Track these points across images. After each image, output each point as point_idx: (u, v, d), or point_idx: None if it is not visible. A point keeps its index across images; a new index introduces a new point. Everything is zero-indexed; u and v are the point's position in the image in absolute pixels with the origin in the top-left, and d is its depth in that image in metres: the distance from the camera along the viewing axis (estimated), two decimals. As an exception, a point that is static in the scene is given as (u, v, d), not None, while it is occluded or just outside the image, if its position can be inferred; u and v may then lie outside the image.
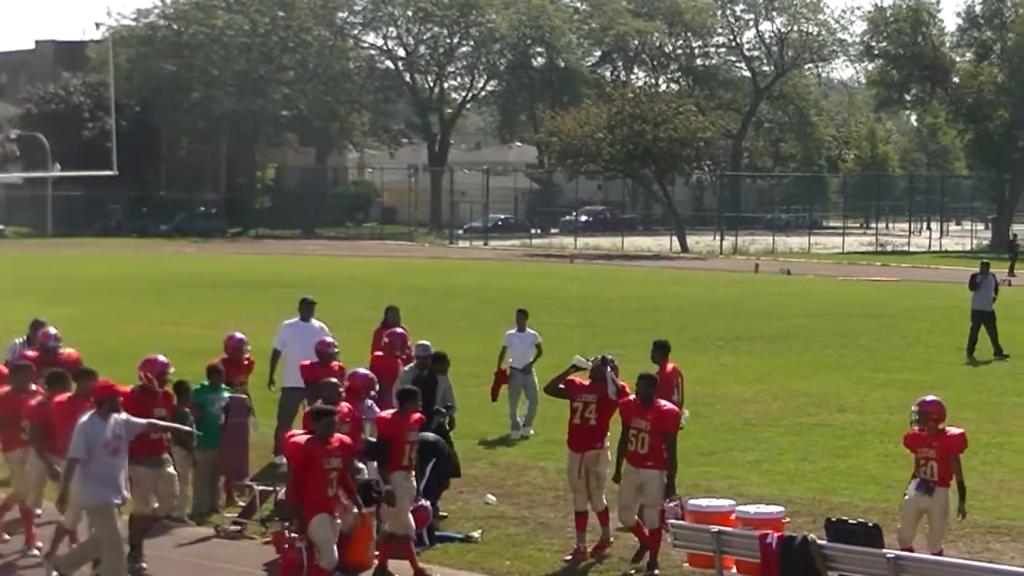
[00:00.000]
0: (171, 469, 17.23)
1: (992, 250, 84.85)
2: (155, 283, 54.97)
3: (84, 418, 15.61)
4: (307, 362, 20.96)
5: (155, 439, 16.95)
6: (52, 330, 21.14)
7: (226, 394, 19.76)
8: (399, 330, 22.44)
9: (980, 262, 38.36)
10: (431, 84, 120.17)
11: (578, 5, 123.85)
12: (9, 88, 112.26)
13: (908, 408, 24.68)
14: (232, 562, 17.05)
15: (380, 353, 21.93)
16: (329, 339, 21.48)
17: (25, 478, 17.61)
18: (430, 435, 18.75)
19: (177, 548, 17.70)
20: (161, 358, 17.81)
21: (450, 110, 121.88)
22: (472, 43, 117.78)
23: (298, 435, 15.91)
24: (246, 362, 21.42)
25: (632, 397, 17.04)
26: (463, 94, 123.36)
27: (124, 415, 15.81)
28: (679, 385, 20.62)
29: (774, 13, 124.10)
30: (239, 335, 21.54)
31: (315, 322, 22.89)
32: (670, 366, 20.10)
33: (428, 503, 17.64)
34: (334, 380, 17.77)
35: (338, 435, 15.52)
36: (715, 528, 16.01)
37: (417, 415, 16.94)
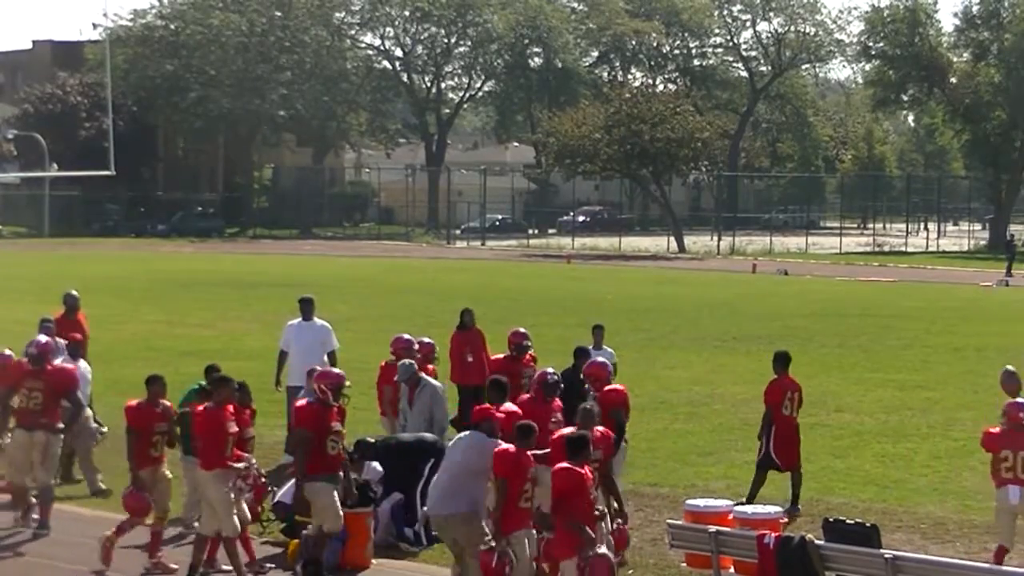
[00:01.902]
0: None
1: (989, 250, 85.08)
2: (151, 283, 54.95)
3: (470, 436, 15.77)
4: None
5: (334, 454, 16.84)
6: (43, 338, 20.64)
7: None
8: (521, 329, 22.08)
9: None
10: (428, 84, 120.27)
11: (575, 5, 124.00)
12: (6, 88, 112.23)
13: (905, 408, 24.73)
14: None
15: (500, 356, 21.69)
16: (428, 340, 21.46)
17: (162, 496, 17.51)
18: (428, 436, 18.76)
19: (177, 547, 17.78)
20: (336, 371, 17.62)
21: (447, 110, 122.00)
22: (469, 43, 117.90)
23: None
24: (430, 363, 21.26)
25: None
26: (460, 94, 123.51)
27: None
28: (794, 400, 20.49)
29: (771, 13, 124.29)
30: (406, 336, 21.43)
31: (317, 321, 22.95)
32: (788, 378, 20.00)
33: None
34: (590, 405, 16.75)
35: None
36: (713, 528, 16.06)
37: (601, 430, 16.04)
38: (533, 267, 70.66)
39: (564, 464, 14.73)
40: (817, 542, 15.14)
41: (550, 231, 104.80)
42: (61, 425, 18.85)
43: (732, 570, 15.78)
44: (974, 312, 48.31)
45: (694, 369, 28.65)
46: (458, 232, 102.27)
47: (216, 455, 16.56)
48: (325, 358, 21.91)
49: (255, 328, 36.81)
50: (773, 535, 15.53)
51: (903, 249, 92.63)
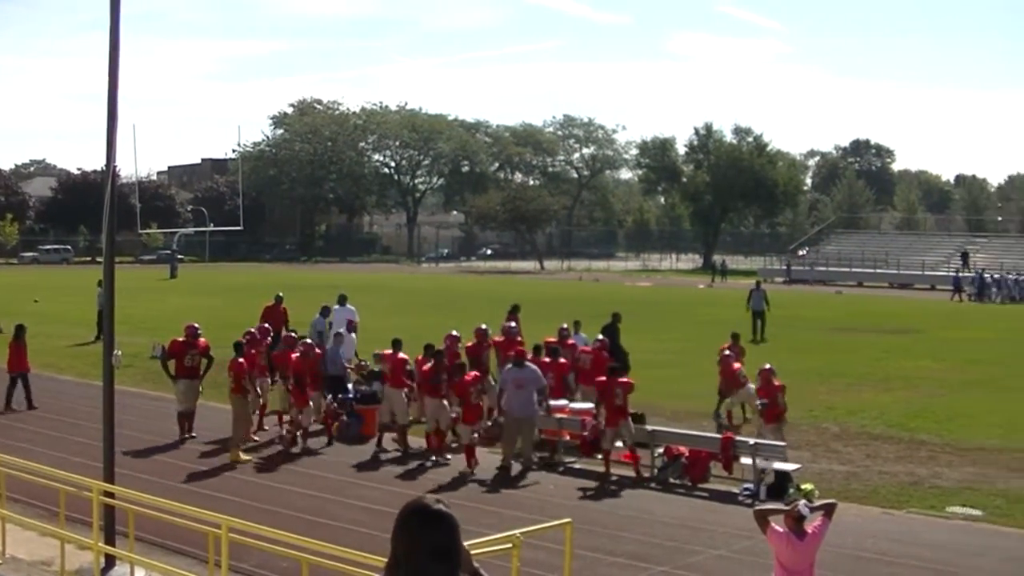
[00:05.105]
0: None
1: (702, 269, 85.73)
2: (262, 286, 54.03)
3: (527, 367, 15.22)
4: (500, 339, 18.46)
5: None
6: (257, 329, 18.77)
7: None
8: (564, 325, 19.60)
9: None
10: (409, 180, 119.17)
11: (487, 139, 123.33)
12: (188, 184, 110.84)
13: (668, 352, 24.40)
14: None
15: (552, 338, 18.43)
16: (513, 325, 19.48)
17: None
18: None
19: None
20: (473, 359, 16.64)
21: (419, 194, 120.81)
22: (430, 158, 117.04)
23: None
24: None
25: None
26: (425, 186, 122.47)
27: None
28: (740, 354, 18.80)
29: (589, 143, 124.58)
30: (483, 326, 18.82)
31: (349, 306, 22.68)
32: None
33: None
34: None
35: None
36: (557, 415, 16.01)
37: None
38: (463, 278, 70.28)
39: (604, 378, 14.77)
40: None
41: (473, 258, 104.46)
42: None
43: (567, 437, 15.76)
44: (693, 300, 48.69)
45: (549, 332, 28.34)
46: (423, 259, 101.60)
47: (432, 389, 15.59)
48: (349, 328, 21.49)
49: (312, 309, 36.12)
50: (591, 420, 15.47)
51: (659, 268, 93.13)
